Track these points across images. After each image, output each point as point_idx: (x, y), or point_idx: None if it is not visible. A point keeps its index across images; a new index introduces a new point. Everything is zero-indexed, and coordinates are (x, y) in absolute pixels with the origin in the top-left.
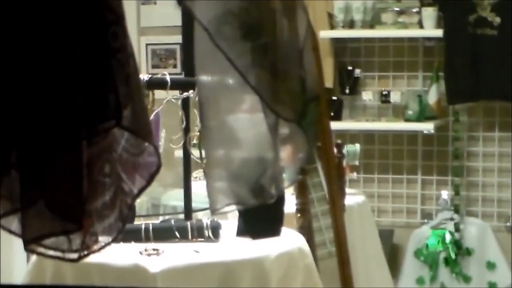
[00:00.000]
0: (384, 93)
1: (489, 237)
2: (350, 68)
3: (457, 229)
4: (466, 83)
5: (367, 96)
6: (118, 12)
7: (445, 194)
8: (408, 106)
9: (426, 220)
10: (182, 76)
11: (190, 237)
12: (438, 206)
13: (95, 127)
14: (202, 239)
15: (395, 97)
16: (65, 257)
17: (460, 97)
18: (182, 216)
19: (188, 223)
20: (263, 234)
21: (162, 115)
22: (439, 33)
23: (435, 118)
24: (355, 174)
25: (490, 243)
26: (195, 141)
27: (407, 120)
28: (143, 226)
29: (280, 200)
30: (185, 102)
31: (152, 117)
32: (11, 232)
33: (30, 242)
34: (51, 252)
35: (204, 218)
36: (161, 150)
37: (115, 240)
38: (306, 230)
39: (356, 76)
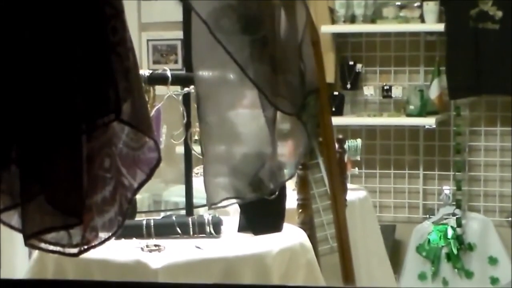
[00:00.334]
0: (385, 88)
1: (491, 232)
2: (351, 63)
3: (459, 224)
4: (467, 77)
5: (369, 91)
6: (117, 6)
7: (447, 189)
8: (409, 101)
9: (428, 216)
10: (183, 72)
11: (191, 233)
12: (440, 201)
13: (94, 122)
14: (204, 235)
15: (396, 92)
16: (65, 251)
17: (462, 92)
18: (183, 212)
19: (190, 219)
20: (265, 229)
21: (163, 111)
22: (440, 27)
23: (436, 113)
24: (356, 169)
25: (492, 238)
26: (196, 137)
27: (409, 115)
28: (144, 222)
29: (282, 195)
30: (186, 98)
31: (153, 113)
32: (11, 227)
33: (31, 237)
34: (52, 247)
35: (206, 214)
36: (162, 146)
37: (115, 234)
38: (308, 225)
39: (357, 71)
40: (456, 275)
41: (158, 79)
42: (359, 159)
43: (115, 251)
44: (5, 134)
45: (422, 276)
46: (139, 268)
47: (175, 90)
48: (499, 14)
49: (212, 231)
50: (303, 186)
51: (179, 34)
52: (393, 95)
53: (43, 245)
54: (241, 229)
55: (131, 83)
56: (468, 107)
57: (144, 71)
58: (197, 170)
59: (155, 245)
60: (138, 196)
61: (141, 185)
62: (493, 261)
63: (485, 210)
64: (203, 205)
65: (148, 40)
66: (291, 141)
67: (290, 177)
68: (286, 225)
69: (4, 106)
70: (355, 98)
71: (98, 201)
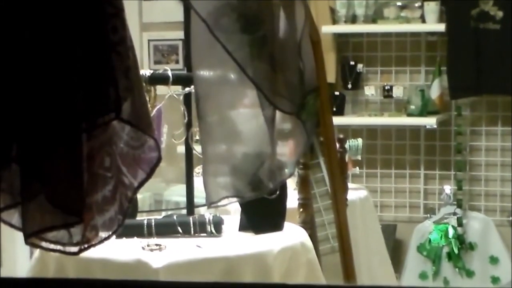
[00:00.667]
0: (386, 88)
1: (492, 232)
2: (352, 63)
3: (460, 223)
4: (468, 77)
5: (370, 91)
6: (117, 5)
7: (447, 188)
8: (410, 101)
9: (429, 215)
10: (184, 72)
11: (192, 232)
12: (441, 201)
13: (95, 120)
14: (205, 234)
15: (397, 92)
16: (65, 250)
17: (463, 92)
18: (184, 211)
19: (191, 218)
20: (266, 229)
21: (164, 110)
22: (441, 27)
23: (437, 112)
24: (357, 169)
25: (493, 237)
26: (197, 137)
27: (410, 114)
28: (145, 222)
29: (283, 195)
30: (187, 98)
31: (154, 112)
32: (12, 225)
33: (31, 235)
34: (52, 246)
35: (207, 213)
36: (163, 145)
37: (115, 233)
38: (309, 225)
39: (358, 71)
40: (457, 274)
41: (159, 79)
42: (360, 158)
43: (116, 250)
44: (6, 133)
45: (423, 276)
46: (140, 267)
47: (176, 90)
48: (500, 14)
49: (213, 231)
50: (304, 186)
51: (180, 34)
52: (394, 95)
53: (43, 243)
54: (242, 228)
55: (131, 82)
56: (469, 107)
57: (145, 71)
58: (198, 169)
59: (156, 244)
60: (139, 196)
61: (141, 184)
62: (494, 260)
63: (486, 210)
64: (204, 205)
65: (149, 40)
66: (291, 140)
67: (289, 176)
68: (287, 225)
69: (4, 105)
70: (356, 98)
71: (99, 200)
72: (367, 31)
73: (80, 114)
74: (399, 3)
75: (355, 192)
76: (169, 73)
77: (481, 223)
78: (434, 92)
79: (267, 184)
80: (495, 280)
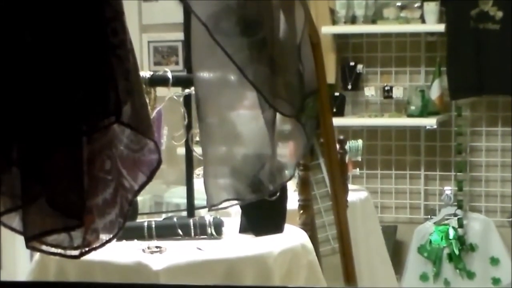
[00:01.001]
0: (386, 88)
1: (492, 233)
2: (352, 63)
3: (460, 224)
4: (468, 78)
5: (370, 91)
6: (117, 8)
7: (448, 189)
8: (410, 102)
9: (429, 216)
10: (184, 73)
11: (192, 234)
12: (441, 202)
13: (95, 124)
14: (205, 236)
15: (397, 93)
16: (66, 254)
17: (463, 92)
18: (185, 213)
19: (191, 221)
20: (266, 230)
21: (164, 112)
22: (441, 28)
23: (437, 113)
24: (357, 170)
25: (494, 238)
26: (197, 138)
27: (410, 115)
28: (145, 224)
29: (283, 196)
30: (187, 99)
31: (154, 114)
32: (12, 229)
33: (32, 239)
34: (53, 249)
35: (207, 215)
36: (163, 147)
37: (116, 236)
38: (309, 226)
39: (358, 71)
40: (457, 275)
41: (159, 81)
42: (360, 159)
43: (116, 253)
44: (6, 136)
45: (423, 277)
46: (141, 270)
47: (176, 91)
48: (500, 14)
49: (214, 233)
50: (304, 187)
51: (180, 35)
52: (394, 96)
53: (44, 247)
54: (243, 230)
55: (132, 85)
56: (469, 107)
57: (145, 73)
58: (199, 171)
59: (157, 247)
60: (139, 198)
61: (141, 187)
62: (494, 261)
63: (487, 211)
64: (205, 207)
65: (149, 42)
66: (291, 142)
67: (290, 178)
68: (287, 226)
69: (4, 108)
70: (356, 98)
71: (99, 203)
72: (366, 31)
73: (80, 117)
74: (398, 4)
75: (356, 193)
76: (169, 74)
77: (482, 224)
78: (434, 93)
79: (267, 186)
80: (496, 281)
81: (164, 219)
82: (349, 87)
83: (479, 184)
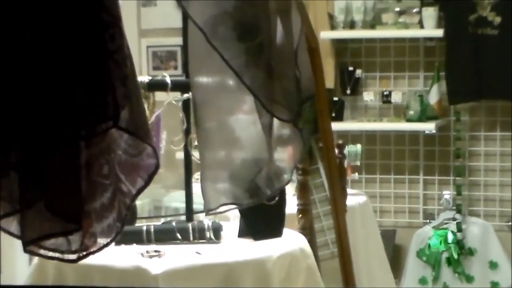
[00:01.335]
0: (385, 93)
1: (491, 237)
2: (351, 68)
3: (459, 229)
4: (467, 82)
5: (368, 96)
6: (114, 13)
7: (447, 194)
8: (409, 106)
9: (428, 220)
10: (182, 78)
11: (191, 238)
12: (440, 206)
13: (93, 128)
14: (204, 241)
15: (396, 97)
16: (64, 258)
17: (461, 97)
18: (183, 217)
19: (190, 225)
20: (265, 235)
21: (163, 117)
22: (439, 33)
23: (436, 118)
24: (356, 174)
25: (493, 243)
26: (196, 143)
27: (409, 120)
28: (144, 228)
29: (282, 201)
30: (186, 104)
31: (153, 119)
32: (10, 233)
33: (30, 243)
34: (51, 253)
35: (206, 219)
36: (162, 152)
37: (114, 240)
38: (308, 230)
39: (357, 76)
40: (456, 279)
41: (157, 85)
42: (359, 164)
43: (115, 257)
44: (4, 140)
45: (422, 281)
46: (139, 274)
47: (175, 96)
48: (498, 19)
49: (212, 237)
50: (303, 191)
51: (179, 40)
52: (392, 101)
53: (42, 251)
54: (241, 234)
55: (129, 90)
56: (468, 112)
57: (144, 77)
58: (197, 176)
59: (155, 251)
60: (138, 202)
61: (139, 191)
62: (493, 265)
63: (485, 215)
64: (203, 211)
65: (147, 47)
66: (289, 146)
67: (287, 183)
68: (286, 230)
69: (2, 113)
70: (355, 103)
71: (97, 207)
72: (365, 36)
73: (78, 122)
74: (397, 9)
75: (355, 198)
76: (168, 79)
77: (481, 228)
78: (433, 98)
79: (264, 191)
80: (494, 285)
81: (163, 223)
82: (348, 92)
83: (478, 188)
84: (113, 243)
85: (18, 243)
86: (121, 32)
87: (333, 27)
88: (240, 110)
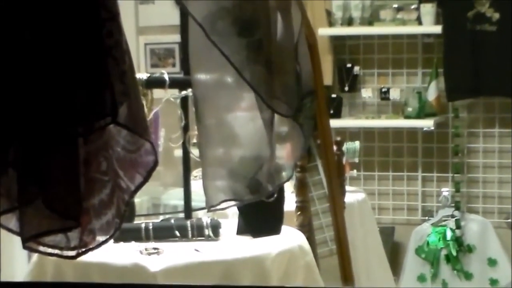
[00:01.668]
0: (383, 90)
1: (490, 234)
2: (349, 65)
3: (458, 226)
4: (465, 79)
5: (367, 93)
6: (112, 9)
7: (445, 191)
8: (407, 103)
9: (427, 217)
10: (180, 75)
11: (190, 236)
12: (439, 203)
13: (91, 125)
14: (202, 238)
15: (394, 94)
16: (63, 254)
17: (460, 94)
18: (182, 215)
19: (188, 222)
20: (263, 232)
21: (161, 114)
22: (438, 29)
23: (435, 114)
24: (355, 171)
25: (491, 240)
26: (194, 140)
27: (407, 117)
28: (143, 226)
29: (280, 198)
30: (184, 101)
31: (151, 116)
32: (9, 230)
33: (29, 239)
34: (50, 250)
35: (204, 217)
36: (160, 149)
37: (112, 237)
38: (306, 228)
39: (355, 73)
40: (455, 276)
41: (155, 83)
42: (357, 161)
43: (114, 255)
44: (2, 137)
45: (421, 278)
46: (138, 271)
47: (173, 93)
48: (496, 16)
49: (211, 234)
50: (302, 189)
51: (177, 37)
52: (391, 97)
53: (41, 248)
54: (240, 231)
55: (127, 86)
56: (466, 109)
57: (142, 75)
58: (196, 173)
59: (154, 248)
60: (137, 200)
61: (138, 187)
62: (492, 262)
63: (484, 212)
64: (202, 208)
65: (145, 44)
66: (289, 143)
67: (288, 179)
68: (284, 228)
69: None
70: (353, 100)
71: (96, 204)
72: (363, 33)
73: (76, 118)
74: (395, 5)
75: (353, 195)
76: (166, 76)
77: (479, 225)
78: (431, 94)
79: (266, 187)
80: (493, 282)
81: (161, 220)
82: (346, 88)
83: (476, 185)
84: (112, 241)
85: (17, 241)
86: (119, 28)
87: (331, 24)
88: (238, 107)
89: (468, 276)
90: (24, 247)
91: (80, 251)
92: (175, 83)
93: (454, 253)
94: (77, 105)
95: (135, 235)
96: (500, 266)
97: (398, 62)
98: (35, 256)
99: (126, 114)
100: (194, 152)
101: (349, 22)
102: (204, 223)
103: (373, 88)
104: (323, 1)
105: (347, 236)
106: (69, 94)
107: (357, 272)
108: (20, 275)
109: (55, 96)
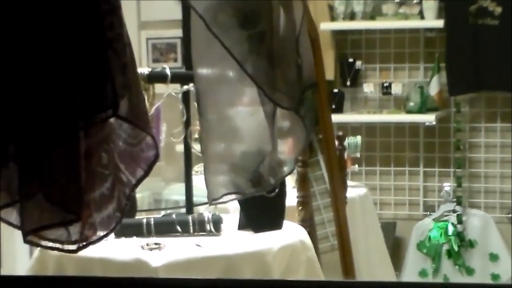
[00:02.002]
0: (385, 85)
1: (491, 229)
2: (351, 60)
3: (459, 221)
4: (467, 73)
5: (368, 88)
6: (113, 2)
7: (447, 186)
8: (409, 98)
9: (428, 212)
10: (182, 70)
11: (191, 231)
12: (441, 198)
13: (92, 118)
14: (204, 233)
15: (396, 89)
16: (64, 248)
17: (462, 88)
18: (183, 210)
19: (190, 217)
20: (265, 227)
21: (162, 109)
22: (440, 23)
23: (436, 109)
24: (356, 166)
25: (493, 234)
26: (196, 135)
27: (409, 111)
28: (144, 221)
29: (282, 193)
30: (186, 96)
31: (153, 111)
32: (10, 224)
33: (29, 233)
34: (50, 244)
35: (206, 212)
36: (162, 144)
37: (113, 231)
38: (308, 223)
39: (357, 68)
40: (457, 272)
41: (157, 77)
42: (359, 156)
43: (115, 250)
44: (3, 131)
45: (423, 273)
46: (140, 267)
47: (175, 88)
48: (499, 9)
49: (212, 229)
50: (303, 184)
51: (179, 32)
52: (393, 92)
53: (42, 242)
54: (241, 226)
55: (129, 79)
56: (468, 103)
57: (144, 69)
58: (197, 168)
59: (156, 244)
60: (138, 195)
61: (139, 181)
62: (494, 257)
63: (486, 207)
64: (203, 203)
65: (147, 39)
66: (290, 138)
67: (289, 173)
68: (286, 223)
69: (1, 104)
70: (355, 95)
71: (96, 197)
72: (365, 28)
73: (78, 111)
74: (397, 0)
75: (355, 190)
76: (168, 71)
77: (481, 220)
78: (433, 89)
79: (268, 180)
80: (495, 277)
81: (163, 216)
82: (348, 83)
83: (478, 180)
84: (113, 236)
85: (18, 237)
86: (121, 21)
87: (333, 18)
88: (240, 102)
89: (469, 271)
90: (25, 241)
91: (81, 245)
92: (177, 78)
93: (456, 248)
94: (78, 98)
95: (137, 230)
96: (501, 261)
97: (400, 57)
98: (36, 251)
99: (127, 108)
100: (196, 147)
101: (351, 16)
102: (206, 218)
103: (375, 83)
104: None
105: (349, 231)
106: (70, 87)
107: (358, 267)
108: (22, 271)
109: (56, 89)
